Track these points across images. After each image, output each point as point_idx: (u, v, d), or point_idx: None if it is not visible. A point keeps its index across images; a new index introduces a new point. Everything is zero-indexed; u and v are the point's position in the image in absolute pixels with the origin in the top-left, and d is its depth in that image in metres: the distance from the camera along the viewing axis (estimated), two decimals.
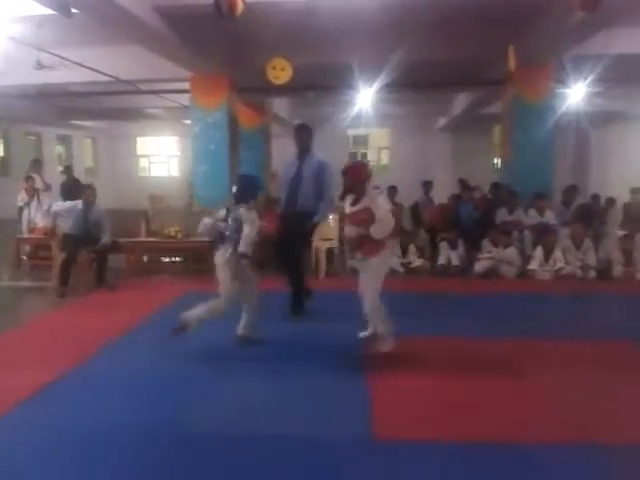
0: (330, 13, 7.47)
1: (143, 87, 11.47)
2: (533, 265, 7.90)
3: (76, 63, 9.17)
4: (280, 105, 16.01)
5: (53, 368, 4.37)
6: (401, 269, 8.29)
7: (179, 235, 8.70)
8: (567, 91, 11.39)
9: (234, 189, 5.01)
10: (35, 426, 3.46)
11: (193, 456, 3.10)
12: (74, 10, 6.44)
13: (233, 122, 10.33)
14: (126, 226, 8.91)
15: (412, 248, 8.47)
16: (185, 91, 10.36)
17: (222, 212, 4.93)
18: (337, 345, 4.94)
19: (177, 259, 9.36)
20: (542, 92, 9.41)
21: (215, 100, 9.98)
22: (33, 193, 10.21)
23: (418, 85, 11.53)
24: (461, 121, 17.57)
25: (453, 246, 8.33)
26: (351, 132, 21.09)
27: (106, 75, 9.81)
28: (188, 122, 18.35)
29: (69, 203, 7.83)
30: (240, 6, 5.46)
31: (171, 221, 9.08)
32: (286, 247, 5.92)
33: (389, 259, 4.89)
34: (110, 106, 15.21)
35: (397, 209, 10.17)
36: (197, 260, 8.79)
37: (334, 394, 3.91)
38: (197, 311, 4.74)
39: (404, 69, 9.45)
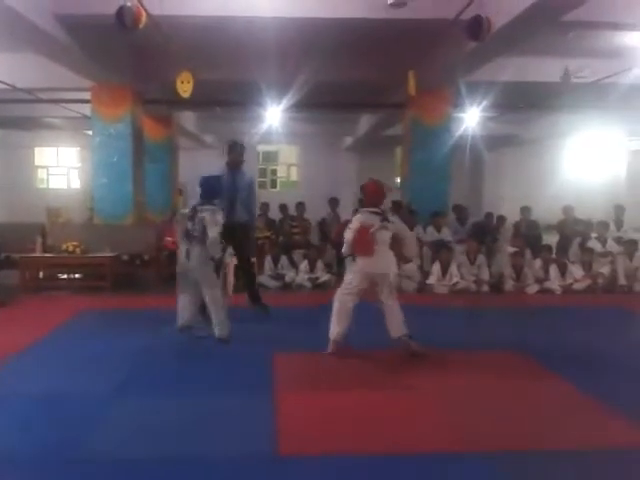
0: (238, 30, 7.54)
1: (42, 95, 11.00)
2: (431, 280, 8.28)
3: None
4: (188, 119, 15.86)
5: None
6: (309, 284, 8.44)
7: (78, 250, 8.38)
8: (463, 115, 12.08)
9: (198, 190, 5.42)
10: None
11: None
12: None
13: (137, 134, 10.11)
14: (21, 240, 8.47)
15: (320, 264, 8.63)
16: (86, 101, 10.03)
17: (188, 210, 5.39)
18: (244, 362, 4.95)
19: (76, 275, 8.98)
20: (439, 116, 9.93)
21: (118, 111, 9.73)
22: None
23: (323, 105, 11.84)
24: (365, 141, 18.11)
25: None
26: (261, 148, 21.17)
27: (1, 82, 9.33)
28: (90, 133, 17.80)
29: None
30: (143, 18, 5.41)
31: (70, 235, 8.72)
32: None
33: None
34: (6, 114, 14.41)
35: (305, 225, 10.35)
36: (97, 276, 8.49)
37: (238, 411, 3.88)
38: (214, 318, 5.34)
39: (310, 89, 9.67)
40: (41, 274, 8.72)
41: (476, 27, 5.71)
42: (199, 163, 19.46)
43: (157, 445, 3.37)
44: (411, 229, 9.18)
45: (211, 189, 5.49)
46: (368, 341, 5.58)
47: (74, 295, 8.11)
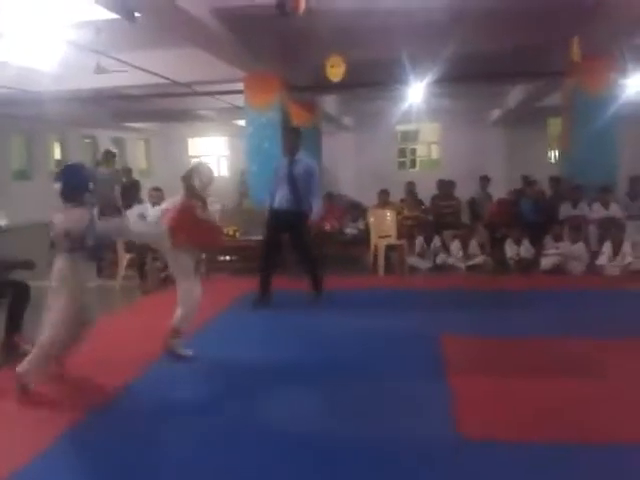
0: (383, 7, 7.39)
1: (197, 89, 11.62)
2: (602, 260, 7.64)
3: (135, 67, 9.32)
4: (328, 102, 15.99)
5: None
6: (462, 265, 8.15)
7: (237, 234, 8.77)
8: (628, 81, 10.98)
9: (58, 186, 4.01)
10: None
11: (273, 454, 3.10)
12: (137, 14, 6.58)
13: (287, 121, 10.35)
14: None
15: (474, 243, 8.31)
16: (239, 92, 10.44)
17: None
18: (411, 344, 4.88)
19: (232, 258, 9.38)
20: (604, 83, 9.11)
21: (268, 99, 9.99)
22: None
23: (473, 77, 11.28)
24: (514, 114, 17.17)
25: (517, 242, 8.12)
26: (400, 127, 20.87)
27: (162, 77, 9.97)
28: (238, 122, 18.65)
29: (140, 208, 8.03)
30: (303, 4, 5.46)
31: (224, 220, 9.12)
32: (276, 244, 6.37)
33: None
34: (163, 108, 15.50)
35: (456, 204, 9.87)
36: (253, 259, 8.81)
37: (415, 394, 3.84)
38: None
39: (458, 61, 9.26)
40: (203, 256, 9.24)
41: None
42: (337, 147, 19.82)
43: (336, 425, 3.42)
44: (574, 206, 8.62)
45: (79, 183, 4.07)
46: (538, 328, 5.29)
47: (234, 277, 8.46)
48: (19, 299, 4.81)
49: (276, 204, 6.25)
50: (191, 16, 6.55)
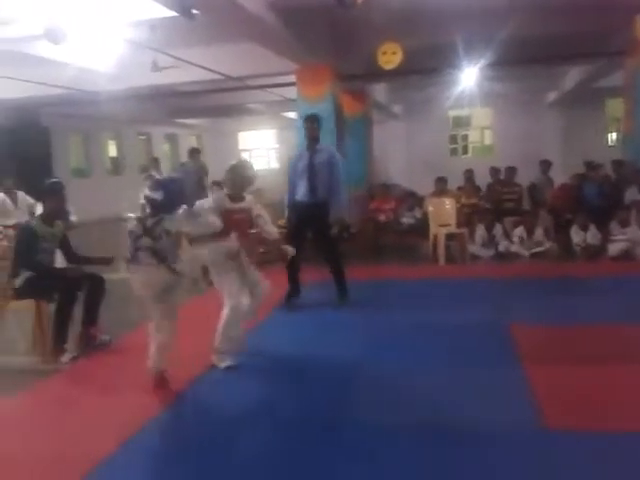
0: None
1: (249, 83, 11.71)
2: None
3: (192, 64, 9.43)
4: (378, 91, 15.83)
5: None
6: (526, 253, 7.97)
7: None
8: None
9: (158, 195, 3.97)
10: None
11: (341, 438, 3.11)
12: (194, 11, 6.67)
13: (338, 112, 10.30)
14: None
15: (540, 230, 8.10)
16: (291, 84, 10.46)
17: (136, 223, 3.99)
18: (481, 333, 4.82)
19: None
20: None
21: (320, 90, 9.95)
22: None
23: (532, 60, 10.93)
24: (572, 96, 16.61)
25: (583, 228, 7.90)
26: (451, 113, 20.51)
27: (218, 73, 10.07)
28: (287, 115, 18.73)
29: (202, 202, 8.11)
30: None
31: (275, 214, 9.13)
32: (301, 239, 5.85)
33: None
34: (214, 103, 15.69)
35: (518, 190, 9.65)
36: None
37: (491, 382, 3.80)
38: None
39: (514, 44, 9.02)
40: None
41: None
42: (387, 135, 19.63)
43: (416, 412, 3.42)
44: None
45: (177, 198, 4.08)
46: (608, 316, 5.15)
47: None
48: (95, 292, 4.96)
49: (298, 197, 5.86)
50: (248, 11, 6.58)
